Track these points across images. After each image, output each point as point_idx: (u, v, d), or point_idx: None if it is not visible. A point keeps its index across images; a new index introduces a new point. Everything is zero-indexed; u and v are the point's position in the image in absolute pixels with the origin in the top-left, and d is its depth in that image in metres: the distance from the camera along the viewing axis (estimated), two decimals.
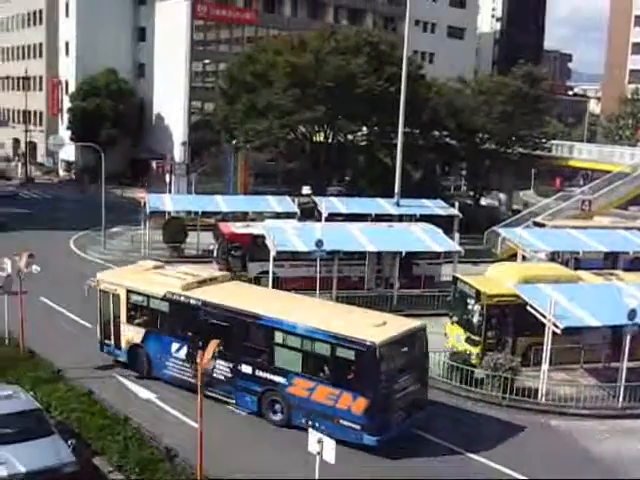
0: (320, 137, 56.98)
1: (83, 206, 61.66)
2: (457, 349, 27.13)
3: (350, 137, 58.17)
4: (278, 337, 22.13)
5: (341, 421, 20.53)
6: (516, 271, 29.28)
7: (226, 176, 63.45)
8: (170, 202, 47.82)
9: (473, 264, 41.39)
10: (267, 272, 34.54)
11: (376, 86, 52.14)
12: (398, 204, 44.68)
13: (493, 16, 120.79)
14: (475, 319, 27.20)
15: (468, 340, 27.39)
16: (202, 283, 25.62)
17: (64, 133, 77.41)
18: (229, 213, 47.23)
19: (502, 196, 66.76)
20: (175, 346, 24.65)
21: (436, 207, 46.35)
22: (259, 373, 22.49)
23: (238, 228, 39.20)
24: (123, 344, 26.22)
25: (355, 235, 36.07)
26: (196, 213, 47.12)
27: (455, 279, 30.07)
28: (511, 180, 66.95)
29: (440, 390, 25.27)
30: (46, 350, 26.08)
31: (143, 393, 24.19)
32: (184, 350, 24.31)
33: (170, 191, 57.63)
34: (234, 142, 58.90)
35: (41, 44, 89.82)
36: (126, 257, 44.61)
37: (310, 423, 20.63)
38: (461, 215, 45.33)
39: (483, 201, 64.90)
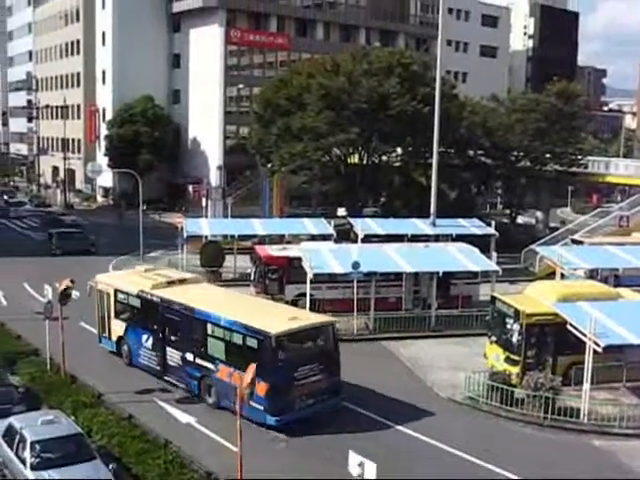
0: (355, 159, 57.06)
1: (121, 231, 62.40)
2: (496, 369, 26.87)
3: (384, 158, 58.17)
4: (209, 329, 25.22)
5: (251, 403, 21.77)
6: (555, 289, 28.96)
7: (262, 199, 63.79)
8: (207, 226, 48.14)
9: (511, 283, 41.11)
10: (304, 294, 34.60)
11: (409, 107, 52.14)
12: (434, 224, 44.52)
13: (525, 34, 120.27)
14: (514, 338, 26.94)
15: (507, 360, 27.12)
16: (170, 283, 29.07)
17: (102, 160, 78.46)
18: (265, 236, 47.49)
19: (539, 214, 66.27)
20: (145, 337, 28.31)
21: (472, 226, 46.08)
22: (198, 360, 25.68)
23: (275, 251, 39.30)
24: (112, 336, 30.28)
25: (391, 256, 35.98)
26: (233, 236, 47.43)
27: (493, 298, 29.84)
28: (548, 197, 66.46)
29: (480, 411, 25.09)
30: (87, 375, 26.37)
31: (183, 417, 24.26)
32: (151, 340, 27.98)
33: (207, 215, 58.01)
34: (269, 165, 59.21)
35: (79, 73, 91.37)
36: None
37: (232, 405, 21.81)
38: (498, 234, 45.04)
39: (520, 219, 64.46)
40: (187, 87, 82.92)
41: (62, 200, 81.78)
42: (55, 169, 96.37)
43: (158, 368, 27.56)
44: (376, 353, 32.21)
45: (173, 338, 26.97)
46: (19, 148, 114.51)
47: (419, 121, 50.95)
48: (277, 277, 37.93)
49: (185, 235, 45.10)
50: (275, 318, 24.58)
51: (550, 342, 26.71)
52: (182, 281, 29.73)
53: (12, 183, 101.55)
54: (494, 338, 28.72)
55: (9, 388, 24.28)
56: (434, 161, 44.43)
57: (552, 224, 64.35)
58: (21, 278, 44.34)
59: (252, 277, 40.40)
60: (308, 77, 55.84)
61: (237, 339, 24.12)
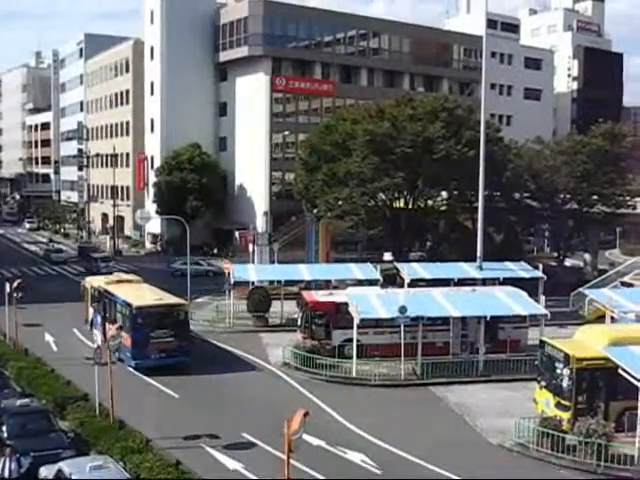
0: (400, 203, 57.10)
1: (169, 277, 62.97)
2: (547, 415, 26.43)
3: (430, 202, 58.11)
4: (118, 306, 36.85)
5: (126, 352, 34.09)
6: (605, 333, 28.53)
7: (308, 244, 64.01)
8: (254, 272, 48.43)
9: (560, 327, 40.50)
10: (351, 340, 34.52)
11: (454, 150, 52.18)
12: (481, 267, 44.27)
13: (569, 75, 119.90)
14: (565, 383, 26.50)
15: (558, 405, 26.66)
16: (119, 282, 41.08)
17: (150, 207, 79.58)
18: (312, 281, 47.65)
19: (587, 256, 65.41)
20: (98, 319, 39.63)
21: (519, 269, 45.71)
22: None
23: (321, 296, 39.33)
24: (87, 318, 42.79)
25: (438, 300, 35.82)
26: (279, 282, 47.60)
27: (542, 343, 29.45)
28: (596, 239, 65.66)
29: (531, 457, 24.68)
30: (135, 420, 26.50)
31: (230, 463, 24.24)
32: (99, 320, 39.20)
33: (253, 261, 58.35)
34: (315, 211, 59.52)
35: (128, 122, 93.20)
36: (212, 327, 45.31)
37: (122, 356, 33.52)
38: (545, 277, 44.59)
39: (567, 262, 63.68)
40: (233, 134, 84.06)
41: (111, 246, 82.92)
42: (104, 216, 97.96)
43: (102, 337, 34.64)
44: (424, 399, 31.97)
45: (107, 314, 38.28)
46: (69, 196, 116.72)
47: (464, 165, 50.91)
48: (324, 322, 37.88)
49: (232, 281, 45.37)
50: (145, 297, 36.73)
51: (602, 387, 26.23)
52: (125, 281, 41.96)
53: (62, 230, 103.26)
54: (544, 383, 28.28)
55: (59, 433, 24.53)
56: (480, 204, 44.32)
57: (601, 266, 63.42)
58: (71, 324, 44.94)
59: (299, 322, 40.44)
60: (353, 123, 56.32)
61: (125, 311, 35.76)
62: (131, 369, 34.28)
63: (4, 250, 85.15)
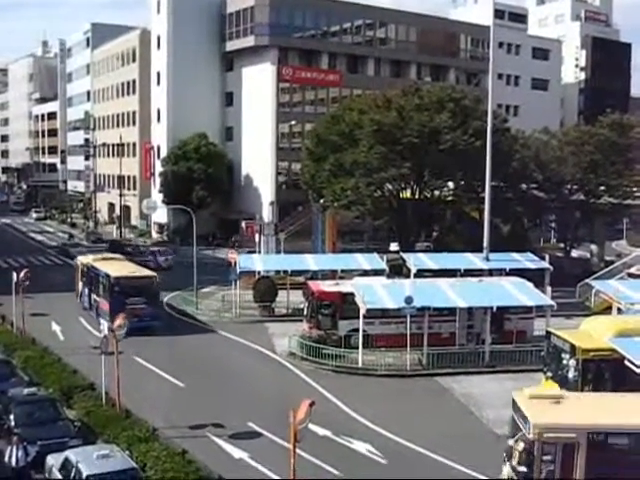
0: (407, 194, 57.02)
1: (175, 267, 63.11)
2: None
3: (437, 192, 58.03)
4: (100, 279, 42.96)
5: (105, 317, 37.37)
6: (612, 324, 28.49)
7: (314, 235, 64.02)
8: (260, 262, 48.50)
9: (566, 318, 40.43)
10: (357, 330, 34.55)
11: (461, 141, 52.07)
12: (487, 258, 44.22)
13: (577, 66, 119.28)
14: (570, 374, 26.48)
15: None
16: (103, 259, 47.33)
17: (156, 196, 79.63)
18: (318, 271, 47.65)
19: (594, 247, 65.26)
20: (86, 291, 45.93)
21: (526, 260, 45.65)
22: (93, 296, 44.16)
23: (327, 286, 39.36)
24: (78, 292, 48.33)
25: (445, 291, 35.82)
26: (285, 272, 47.65)
27: (548, 334, 29.43)
28: (603, 231, 65.51)
29: None
30: (141, 409, 26.60)
31: (236, 453, 24.32)
32: (86, 290, 45.90)
33: (259, 251, 58.40)
34: (321, 201, 59.49)
35: (134, 112, 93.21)
36: (218, 317, 45.41)
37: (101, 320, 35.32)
38: (552, 268, 44.52)
39: (574, 253, 63.58)
40: (240, 124, 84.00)
41: (118, 236, 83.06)
42: (111, 206, 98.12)
43: (88, 306, 45.15)
44: (429, 389, 32.02)
45: (92, 287, 44.66)
46: (76, 185, 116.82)
47: (471, 155, 50.80)
48: (330, 312, 37.90)
49: (238, 271, 45.42)
50: (122, 270, 42.67)
51: (607, 378, 26.19)
52: (109, 258, 48.72)
53: (69, 220, 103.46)
54: (550, 374, 28.28)
55: (65, 422, 24.64)
56: (487, 195, 44.24)
57: (607, 257, 63.35)
58: (77, 313, 45.09)
59: (305, 312, 40.46)
60: (360, 113, 56.18)
61: (105, 281, 41.81)
62: (139, 359, 34.40)
63: (11, 240, 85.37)
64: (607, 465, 17.79)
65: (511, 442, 18.67)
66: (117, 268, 43.50)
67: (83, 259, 48.99)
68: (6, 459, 21.60)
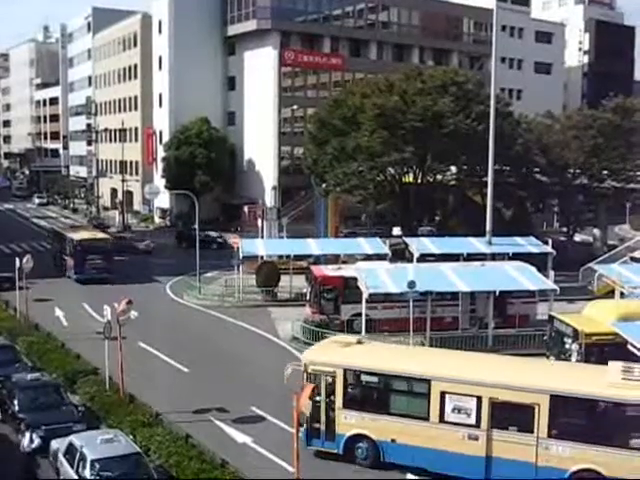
0: (409, 178, 56.97)
1: (178, 252, 63.18)
2: None
3: (439, 177, 57.97)
4: (67, 242, 52.90)
5: (71, 270, 51.37)
6: (614, 308, 28.53)
7: (317, 219, 64.00)
8: (262, 246, 48.48)
9: (569, 302, 40.36)
10: (360, 314, 34.57)
11: (464, 125, 51.95)
12: (490, 243, 44.13)
13: (580, 49, 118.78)
14: (573, 358, 26.53)
15: None
16: (71, 227, 63.23)
17: (159, 181, 79.59)
18: (321, 256, 47.65)
19: (596, 231, 65.18)
20: (58, 253, 55.89)
21: (529, 245, 45.53)
22: (65, 257, 53.40)
23: (330, 271, 39.34)
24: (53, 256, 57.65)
25: (447, 275, 35.78)
26: (288, 256, 47.68)
27: (551, 318, 29.47)
28: (605, 215, 65.39)
29: None
30: (145, 394, 26.66)
31: (239, 437, 24.41)
32: (58, 254, 55.42)
33: (262, 235, 58.40)
34: (324, 185, 59.42)
35: (136, 97, 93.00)
36: (221, 302, 45.47)
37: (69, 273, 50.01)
38: (555, 252, 44.44)
39: (577, 237, 63.54)
40: (242, 109, 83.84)
41: (120, 221, 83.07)
42: (114, 191, 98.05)
43: (60, 264, 54.24)
44: None
45: (61, 248, 54.86)
46: (78, 171, 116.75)
47: (474, 139, 50.72)
48: (333, 297, 37.93)
49: (241, 255, 45.42)
50: (83, 235, 53.62)
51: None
52: (77, 226, 65.89)
53: (72, 205, 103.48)
54: (552, 358, 28.31)
55: (69, 407, 24.72)
56: (489, 179, 44.13)
57: (610, 242, 63.32)
58: (81, 299, 45.18)
59: (308, 297, 40.49)
60: (362, 97, 56.06)
61: (70, 243, 52.08)
62: (142, 344, 34.49)
63: (14, 225, 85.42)
64: (363, 393, 22.79)
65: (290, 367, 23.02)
66: (80, 234, 54.57)
67: (55, 228, 64.25)
68: (24, 443, 21.64)
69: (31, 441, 21.29)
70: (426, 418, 21.60)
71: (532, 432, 20.32)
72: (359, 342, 24.80)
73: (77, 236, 52.81)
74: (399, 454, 21.91)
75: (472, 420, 21.05)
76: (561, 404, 20.34)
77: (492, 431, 20.83)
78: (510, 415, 20.82)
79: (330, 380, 22.66)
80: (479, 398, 20.96)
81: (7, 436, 24.16)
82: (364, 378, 22.70)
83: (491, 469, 20.82)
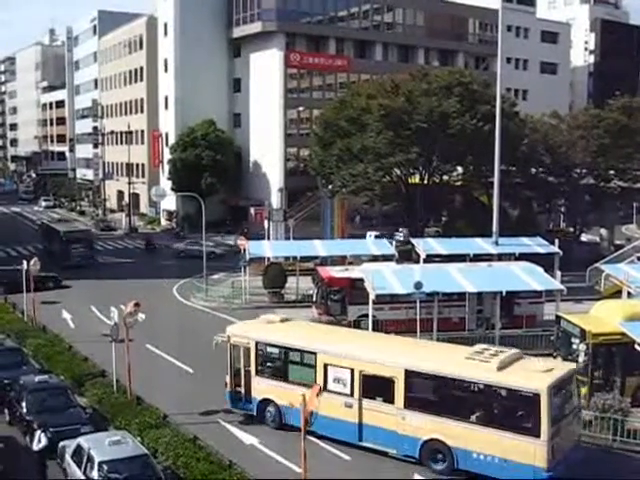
0: (415, 179, 56.94)
1: (184, 254, 63.29)
2: None
3: (445, 177, 57.93)
4: (54, 234, 61.28)
5: (59, 258, 57.76)
6: (622, 308, 28.42)
7: (323, 220, 64.00)
8: (269, 248, 48.53)
9: (576, 302, 40.28)
10: (367, 315, 34.56)
11: (469, 125, 51.92)
12: (497, 243, 44.09)
13: (586, 49, 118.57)
14: (580, 359, 26.44)
15: None
16: (59, 221, 71.92)
17: (165, 184, 79.68)
18: (327, 257, 47.65)
19: (603, 231, 65.06)
20: (46, 243, 65.02)
21: (535, 245, 45.47)
22: (51, 246, 61.95)
23: (337, 272, 39.36)
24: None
25: (454, 276, 35.74)
26: (295, 258, 47.65)
27: (558, 318, 29.42)
28: (612, 215, 65.27)
29: None
30: (152, 396, 26.70)
31: (246, 438, 24.44)
32: (47, 244, 64.11)
33: (268, 237, 58.46)
34: (330, 186, 59.46)
35: (142, 99, 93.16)
36: (227, 304, 45.49)
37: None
38: (561, 252, 44.38)
39: (584, 237, 63.43)
40: (248, 111, 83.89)
41: (127, 224, 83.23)
42: (120, 193, 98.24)
43: (48, 253, 60.78)
44: None
45: (48, 239, 63.57)
46: (85, 173, 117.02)
47: (479, 140, 50.68)
48: (339, 298, 37.95)
49: (247, 257, 45.45)
50: (68, 227, 62.88)
51: (618, 362, 26.20)
52: (63, 220, 73.85)
53: (78, 208, 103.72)
54: (560, 358, 28.25)
55: (77, 409, 24.77)
56: (495, 179, 44.09)
57: (617, 241, 63.18)
58: (88, 301, 45.26)
59: (314, 298, 40.49)
60: (368, 98, 56.05)
61: (57, 235, 59.98)
62: (150, 346, 34.52)
63: (21, 228, 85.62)
64: (269, 363, 25.92)
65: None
66: (65, 226, 64.47)
67: (43, 222, 72.42)
68: (34, 442, 21.71)
69: (39, 441, 21.35)
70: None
71: (393, 403, 22.63)
72: (282, 320, 27.83)
73: (63, 228, 62.06)
74: (296, 418, 22.64)
75: (347, 390, 23.62)
76: (414, 379, 22.51)
77: (363, 400, 23.34)
78: (376, 387, 23.12)
79: (246, 351, 26.06)
80: (352, 370, 23.50)
81: (15, 438, 24.23)
82: (269, 350, 25.83)
83: (363, 435, 23.32)
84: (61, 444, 21.81)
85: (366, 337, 28.70)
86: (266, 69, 79.98)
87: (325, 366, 24.06)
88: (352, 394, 23.50)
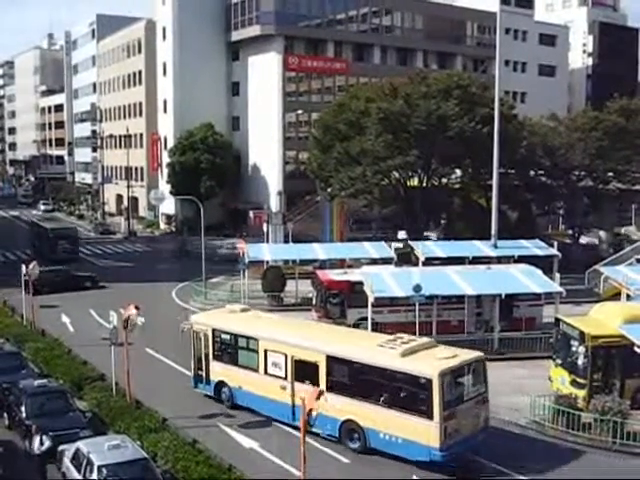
0: (414, 181, 56.92)
1: (184, 257, 63.31)
2: (562, 392, 26.40)
3: (444, 180, 57.93)
4: (42, 231, 65.83)
5: (46, 252, 61.65)
6: (621, 311, 28.41)
7: (322, 224, 63.99)
8: (268, 251, 48.49)
9: (575, 304, 40.34)
10: (366, 318, 34.56)
11: (468, 128, 51.92)
12: (495, 246, 44.10)
13: (584, 51, 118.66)
14: (580, 361, 26.46)
15: (573, 383, 26.65)
16: (45, 219, 75.45)
17: (164, 187, 79.68)
18: (326, 260, 47.66)
19: (602, 234, 65.04)
20: (35, 240, 68.66)
21: (534, 247, 45.50)
22: (39, 242, 66.79)
23: (336, 275, 39.37)
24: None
25: (453, 278, 35.76)
26: (294, 261, 47.63)
27: (557, 320, 29.40)
28: (611, 217, 65.27)
29: (546, 435, 24.70)
30: (152, 400, 26.70)
31: (246, 442, 24.41)
32: (36, 240, 67.81)
33: (267, 240, 58.46)
34: (329, 190, 59.44)
35: (141, 103, 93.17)
36: None
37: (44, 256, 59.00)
38: (560, 254, 44.39)
39: (583, 239, 63.43)
40: (246, 114, 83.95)
41: (126, 227, 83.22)
42: (119, 197, 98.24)
43: (35, 247, 66.24)
44: None
45: (36, 236, 67.28)
46: (84, 177, 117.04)
47: (478, 142, 50.66)
48: (338, 301, 37.96)
49: (246, 260, 45.44)
50: (54, 224, 68.21)
51: (617, 365, 26.19)
52: (49, 218, 78.27)
53: (77, 211, 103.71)
54: (559, 361, 28.27)
55: (76, 413, 24.73)
56: (494, 182, 44.09)
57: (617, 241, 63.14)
58: (87, 305, 45.24)
59: (314, 301, 40.49)
60: (366, 101, 56.05)
61: (44, 232, 64.12)
62: (149, 349, 34.49)
63: (20, 232, 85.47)
64: (223, 348, 28.18)
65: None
66: (52, 223, 69.49)
67: (33, 219, 76.34)
68: (34, 445, 21.69)
69: (41, 443, 21.33)
70: (257, 370, 26.65)
71: (318, 386, 23.26)
72: (243, 310, 30.40)
73: (50, 225, 66.99)
74: (244, 399, 27.24)
75: (283, 373, 25.62)
76: (333, 364, 24.29)
77: (295, 383, 25.15)
78: (305, 371, 24.88)
79: (205, 337, 28.50)
80: (286, 355, 25.51)
81: (14, 443, 24.20)
82: (223, 337, 28.16)
83: (295, 415, 24.27)
84: (60, 448, 21.76)
85: (303, 325, 30.69)
86: (265, 72, 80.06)
87: (265, 352, 26.28)
88: (286, 377, 25.46)
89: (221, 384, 28.03)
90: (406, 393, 22.62)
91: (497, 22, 46.81)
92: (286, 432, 24.74)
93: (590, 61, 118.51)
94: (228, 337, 28.08)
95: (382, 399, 22.90)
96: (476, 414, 23.07)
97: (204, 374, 28.66)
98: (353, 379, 24.00)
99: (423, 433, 21.66)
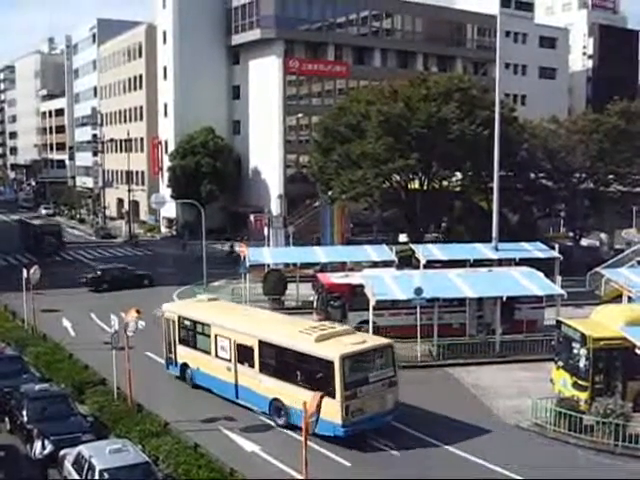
0: (415, 184, 56.93)
1: (185, 261, 63.22)
2: (564, 395, 26.39)
3: (445, 183, 57.93)
4: (30, 228, 72.76)
5: (34, 247, 68.65)
6: (622, 313, 28.37)
7: (323, 227, 63.99)
8: (269, 255, 48.51)
9: (576, 307, 40.30)
10: (367, 321, 34.54)
11: (469, 131, 51.95)
12: (497, 248, 44.10)
13: (585, 54, 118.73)
14: (582, 364, 26.44)
15: (575, 385, 26.63)
16: (35, 217, 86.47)
17: (165, 191, 79.71)
18: (327, 263, 47.63)
19: (603, 236, 65.00)
20: (24, 236, 75.40)
21: (535, 250, 45.49)
22: (28, 239, 72.62)
23: (337, 278, 39.33)
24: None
25: (454, 281, 35.74)
26: (295, 265, 47.64)
27: (559, 323, 29.38)
28: (612, 219, 65.22)
29: (548, 437, 24.67)
30: (153, 404, 26.69)
31: (248, 445, 24.40)
32: (24, 237, 74.73)
33: (268, 244, 58.46)
34: (330, 193, 59.45)
35: (141, 107, 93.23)
36: None
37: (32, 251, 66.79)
38: (562, 257, 44.38)
39: (584, 242, 63.39)
40: (247, 118, 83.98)
41: (127, 231, 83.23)
42: (120, 201, 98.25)
43: (25, 244, 71.30)
44: (440, 380, 31.99)
45: (25, 233, 73.42)
46: (85, 181, 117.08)
47: (479, 145, 50.70)
48: (340, 304, 37.88)
49: (247, 264, 45.44)
50: (42, 222, 76.99)
51: (619, 367, 26.15)
52: (38, 216, 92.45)
53: (78, 216, 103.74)
54: (561, 363, 28.24)
55: (78, 417, 24.74)
56: (495, 185, 44.11)
57: (617, 246, 63.15)
58: (88, 309, 45.24)
59: (315, 305, 40.46)
60: (367, 104, 56.08)
61: (32, 229, 71.31)
62: (150, 353, 34.49)
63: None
64: (186, 333, 31.06)
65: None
66: (40, 222, 77.03)
67: (22, 219, 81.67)
68: (36, 450, 21.69)
69: (43, 448, 21.32)
70: (210, 353, 29.36)
71: (253, 367, 27.10)
72: (210, 300, 33.57)
73: (37, 222, 75.65)
74: (201, 379, 30.03)
75: (228, 356, 28.31)
76: (264, 348, 26.83)
77: (237, 365, 27.97)
78: (245, 354, 27.60)
79: (173, 324, 31.47)
80: (230, 340, 28.24)
81: (16, 447, 24.20)
82: (186, 323, 31.06)
83: (238, 393, 27.92)
84: (62, 452, 21.78)
85: (248, 313, 33.24)
86: (265, 76, 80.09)
87: (216, 336, 29.08)
88: (230, 359, 28.21)
89: (185, 366, 30.94)
90: (316, 374, 24.78)
91: (497, 25, 46.80)
92: (287, 435, 24.74)
93: (590, 64, 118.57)
94: (190, 323, 30.94)
95: (299, 380, 25.18)
96: (382, 395, 24.83)
97: (173, 357, 31.63)
98: (279, 362, 26.48)
99: (329, 411, 22.82)
